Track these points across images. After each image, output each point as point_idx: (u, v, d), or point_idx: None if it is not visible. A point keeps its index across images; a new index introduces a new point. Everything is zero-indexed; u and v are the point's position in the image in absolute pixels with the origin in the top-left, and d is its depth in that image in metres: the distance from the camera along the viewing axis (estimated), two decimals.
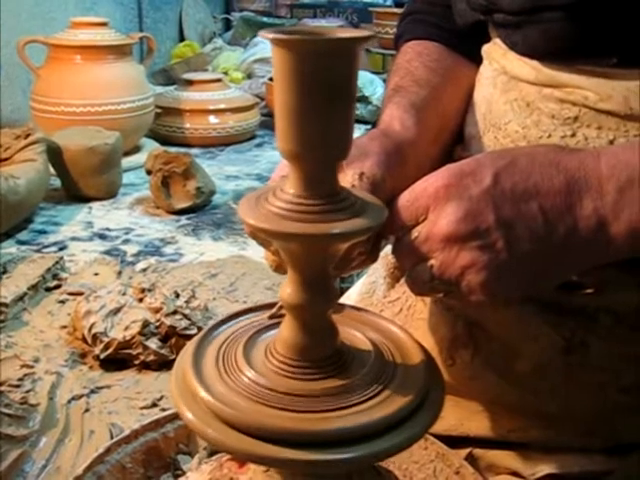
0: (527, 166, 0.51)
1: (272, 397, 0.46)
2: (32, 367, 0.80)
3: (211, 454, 0.64)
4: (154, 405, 0.81)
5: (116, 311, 0.91)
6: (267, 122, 2.08)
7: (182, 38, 2.95)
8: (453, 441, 0.66)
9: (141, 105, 1.70)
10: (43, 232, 1.32)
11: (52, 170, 1.42)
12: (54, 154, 1.40)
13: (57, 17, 2.05)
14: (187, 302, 0.93)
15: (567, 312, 0.61)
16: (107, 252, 1.24)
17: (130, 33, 1.86)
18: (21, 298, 1.00)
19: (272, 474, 0.49)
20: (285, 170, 0.54)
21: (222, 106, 1.92)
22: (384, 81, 2.24)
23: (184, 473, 0.64)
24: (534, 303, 0.62)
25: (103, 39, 1.67)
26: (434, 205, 0.51)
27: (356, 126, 1.97)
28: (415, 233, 0.52)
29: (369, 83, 2.18)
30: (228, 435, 0.44)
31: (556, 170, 0.50)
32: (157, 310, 0.90)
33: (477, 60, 0.73)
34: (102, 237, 1.31)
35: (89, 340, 0.89)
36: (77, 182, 1.44)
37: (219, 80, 2.01)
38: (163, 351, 0.88)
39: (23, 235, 1.30)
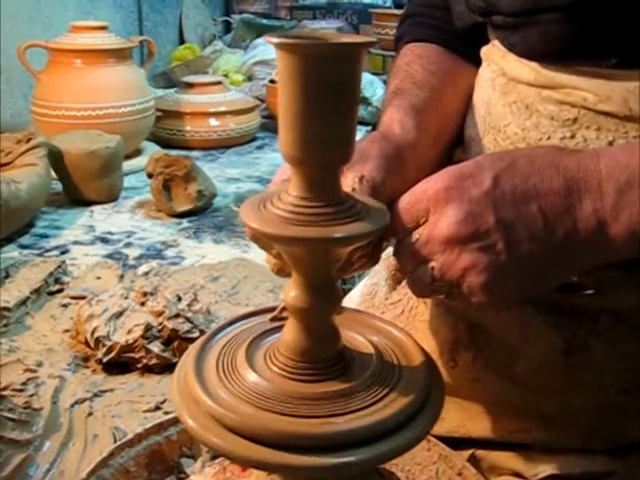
0: (526, 168, 0.51)
1: (274, 401, 0.46)
2: (35, 371, 0.80)
3: (214, 457, 0.64)
4: (157, 408, 0.81)
5: (118, 315, 0.91)
6: (268, 124, 2.08)
7: (182, 41, 2.95)
8: (455, 443, 0.66)
9: (142, 108, 1.70)
10: (45, 236, 1.32)
11: (53, 174, 1.42)
12: (55, 158, 1.40)
13: (57, 21, 2.05)
14: (189, 305, 0.93)
15: (567, 313, 0.62)
16: (109, 256, 1.24)
17: (130, 36, 1.87)
18: (24, 302, 1.00)
19: (275, 478, 0.50)
20: (286, 173, 0.54)
21: (223, 109, 1.93)
22: (384, 82, 2.24)
23: (187, 476, 0.64)
24: (535, 304, 0.62)
25: (103, 43, 1.67)
26: (434, 207, 0.51)
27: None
28: (416, 235, 0.52)
29: (369, 84, 2.18)
30: (230, 441, 0.44)
31: (555, 171, 0.50)
32: (159, 313, 0.91)
33: (476, 62, 0.73)
34: (104, 241, 1.31)
35: (92, 344, 0.89)
36: (78, 186, 1.45)
37: (219, 83, 2.02)
38: (166, 354, 0.88)
39: (25, 239, 1.30)
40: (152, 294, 0.94)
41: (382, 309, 0.75)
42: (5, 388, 0.74)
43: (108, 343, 0.88)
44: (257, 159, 1.87)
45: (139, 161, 1.68)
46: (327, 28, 2.83)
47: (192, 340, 0.84)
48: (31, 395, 0.75)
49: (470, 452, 0.66)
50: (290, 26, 3.10)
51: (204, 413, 0.46)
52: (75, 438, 0.75)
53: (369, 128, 2.07)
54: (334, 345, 0.50)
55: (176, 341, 0.89)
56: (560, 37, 0.60)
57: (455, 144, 0.73)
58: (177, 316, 0.91)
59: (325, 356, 0.49)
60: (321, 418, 0.45)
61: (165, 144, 1.86)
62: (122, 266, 1.18)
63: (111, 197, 1.50)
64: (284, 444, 0.43)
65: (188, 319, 0.91)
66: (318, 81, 0.42)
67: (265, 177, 1.69)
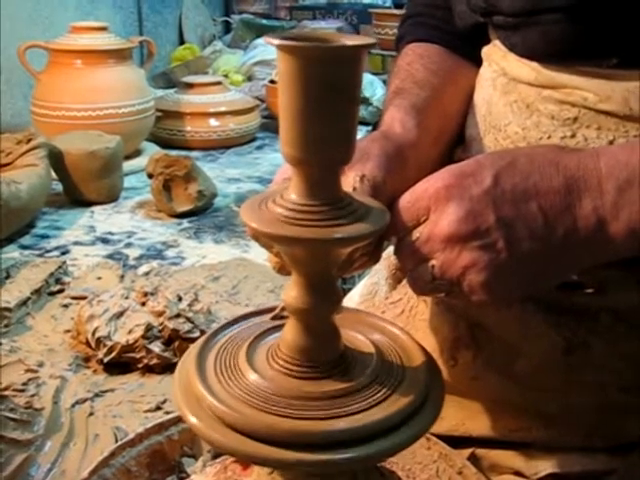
0: (527, 166, 0.51)
1: (275, 399, 0.46)
2: (36, 371, 0.80)
3: (215, 457, 0.64)
4: (158, 408, 0.81)
5: (119, 315, 0.91)
6: (268, 124, 2.08)
7: (182, 41, 2.95)
8: (456, 441, 0.66)
9: (142, 109, 1.70)
10: (45, 237, 1.32)
11: (54, 175, 1.42)
12: (55, 159, 1.40)
13: (57, 22, 2.05)
14: (190, 305, 0.93)
15: (568, 312, 0.62)
16: (109, 256, 1.24)
17: (130, 37, 1.87)
18: (24, 303, 1.00)
19: (276, 476, 0.50)
20: (287, 173, 0.54)
21: (222, 109, 1.93)
22: (384, 82, 2.24)
23: (188, 476, 0.64)
24: (535, 303, 0.62)
25: (103, 43, 1.68)
26: (435, 206, 0.51)
27: None
28: (416, 234, 0.52)
29: (369, 84, 2.18)
30: (232, 438, 0.44)
31: (555, 170, 0.50)
32: (160, 313, 0.91)
33: (477, 62, 0.73)
34: (104, 241, 1.31)
35: (93, 344, 0.89)
36: (79, 186, 1.45)
37: (219, 83, 2.02)
38: (166, 354, 0.88)
39: (26, 240, 1.30)
40: (153, 294, 0.94)
41: (382, 308, 0.75)
42: (6, 388, 0.74)
43: (109, 343, 0.88)
44: (257, 159, 1.87)
45: (139, 161, 1.68)
46: (327, 28, 2.83)
47: (193, 340, 0.84)
48: (32, 395, 0.75)
49: (470, 451, 0.66)
50: (290, 26, 3.10)
51: (206, 411, 0.46)
52: (76, 438, 0.75)
53: (369, 128, 2.07)
54: (335, 345, 0.50)
55: (177, 341, 0.89)
56: (561, 37, 0.60)
57: (456, 143, 0.73)
58: (178, 316, 0.91)
59: (326, 356, 0.49)
60: (322, 416, 0.45)
61: (165, 144, 1.87)
62: (123, 266, 1.18)
63: (111, 197, 1.50)
64: (285, 441, 0.43)
65: (189, 319, 0.91)
66: (318, 82, 0.42)
67: (265, 177, 1.69)
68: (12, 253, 1.22)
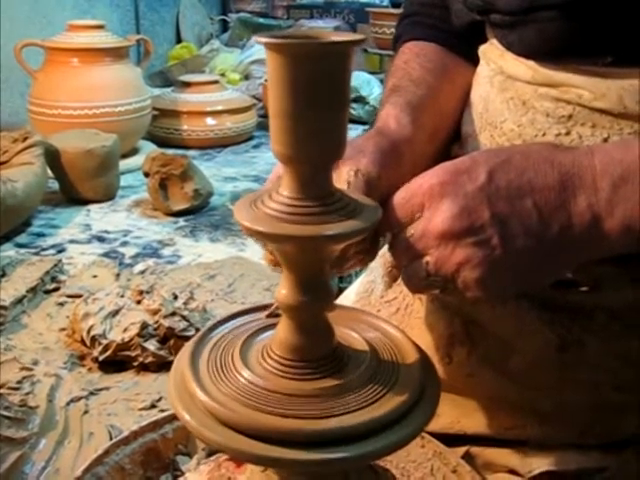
0: (521, 163, 0.51)
1: (269, 397, 0.46)
2: (31, 369, 0.80)
3: (209, 455, 0.64)
4: (153, 406, 0.81)
5: (114, 313, 0.91)
6: (264, 123, 2.07)
7: (179, 40, 2.95)
8: (450, 439, 0.66)
9: (138, 107, 1.70)
10: (41, 235, 1.32)
11: (50, 173, 1.42)
12: (52, 157, 1.40)
13: (54, 20, 2.05)
14: (185, 304, 0.93)
15: (562, 309, 0.62)
16: (105, 254, 1.24)
17: (127, 35, 1.87)
18: (20, 301, 1.00)
19: (270, 474, 0.50)
20: (282, 172, 0.54)
21: (219, 108, 1.93)
22: (381, 81, 2.24)
23: (183, 474, 0.64)
24: (529, 300, 0.62)
25: (100, 42, 1.67)
26: (429, 202, 0.51)
27: (353, 126, 1.98)
28: (411, 230, 0.52)
29: (366, 83, 2.18)
30: (225, 436, 0.44)
31: (550, 167, 0.50)
32: (155, 312, 0.90)
33: (474, 60, 0.73)
34: (100, 239, 1.31)
35: (88, 342, 0.89)
36: (75, 185, 1.45)
37: (216, 82, 2.01)
38: (162, 352, 0.88)
39: (21, 238, 1.30)
40: (148, 292, 0.94)
41: (378, 307, 0.75)
42: (1, 386, 0.74)
43: (104, 341, 0.88)
44: (254, 158, 1.87)
45: (136, 160, 1.68)
46: (324, 27, 2.83)
47: (188, 338, 0.84)
48: (27, 393, 0.75)
49: (465, 449, 0.66)
50: (287, 25, 3.09)
51: (200, 408, 0.46)
52: (71, 436, 0.75)
53: (366, 127, 2.07)
54: (328, 342, 0.50)
55: (172, 339, 0.89)
56: (556, 35, 0.60)
57: (452, 140, 0.73)
58: (173, 314, 0.91)
59: (319, 353, 0.49)
60: (315, 413, 0.45)
61: (162, 143, 1.86)
62: (118, 265, 1.18)
63: (108, 196, 1.50)
64: (278, 439, 0.43)
65: (184, 317, 0.91)
66: (307, 79, 0.42)
67: (262, 176, 1.69)
68: (8, 251, 1.22)
